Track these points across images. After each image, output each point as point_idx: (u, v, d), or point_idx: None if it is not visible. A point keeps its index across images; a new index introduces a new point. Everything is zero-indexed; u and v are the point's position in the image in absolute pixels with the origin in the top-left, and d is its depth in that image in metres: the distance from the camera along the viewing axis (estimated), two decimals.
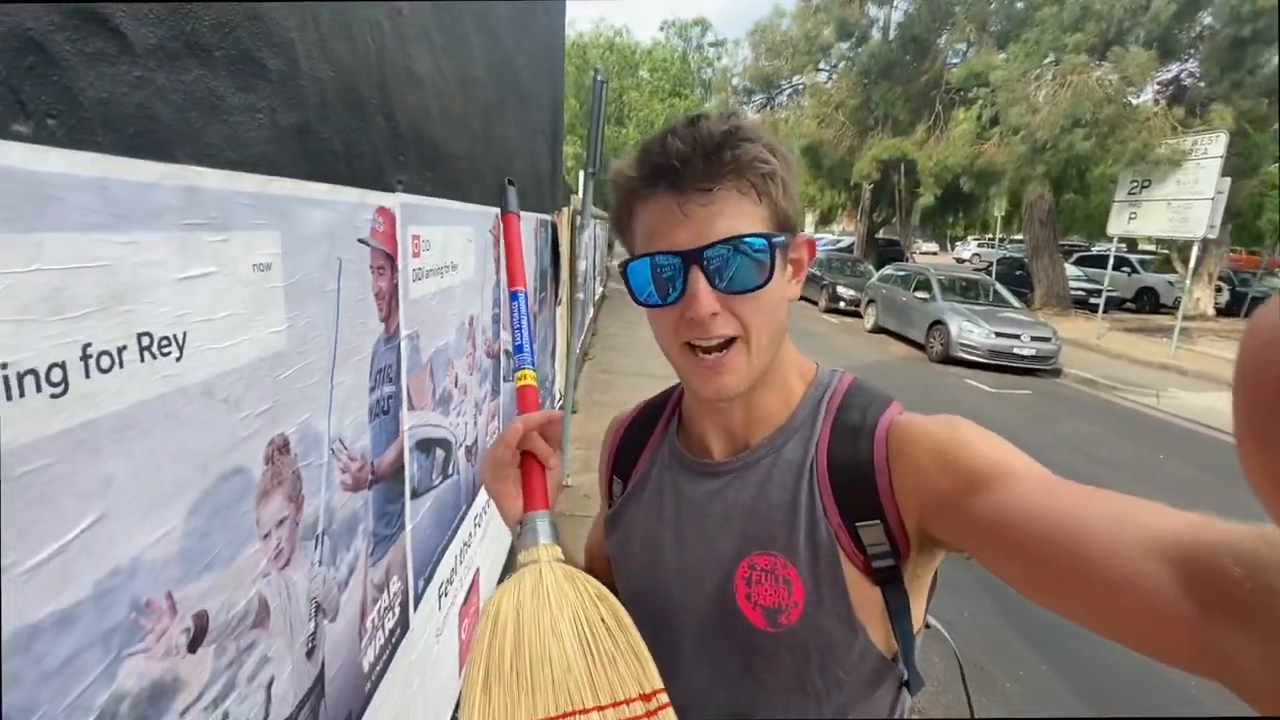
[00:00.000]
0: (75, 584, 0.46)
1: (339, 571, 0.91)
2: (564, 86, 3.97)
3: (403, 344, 1.14)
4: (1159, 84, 12.64)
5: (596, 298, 9.78)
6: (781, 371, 0.66)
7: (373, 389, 1.01)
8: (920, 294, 10.17)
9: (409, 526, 1.22)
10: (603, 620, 0.56)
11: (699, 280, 0.57)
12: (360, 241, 0.94)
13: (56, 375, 0.43)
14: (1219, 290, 15.16)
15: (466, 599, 1.78)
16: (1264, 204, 13.01)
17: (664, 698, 0.53)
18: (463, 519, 1.67)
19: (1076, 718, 2.58)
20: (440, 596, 1.49)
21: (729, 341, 0.60)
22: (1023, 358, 8.54)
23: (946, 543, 0.57)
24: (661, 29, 17.71)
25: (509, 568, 2.58)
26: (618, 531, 0.76)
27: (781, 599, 0.61)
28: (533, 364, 0.73)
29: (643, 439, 0.79)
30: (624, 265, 0.62)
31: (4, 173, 0.39)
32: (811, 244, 0.66)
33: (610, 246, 16.40)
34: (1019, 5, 13.50)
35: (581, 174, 4.39)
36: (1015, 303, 10.15)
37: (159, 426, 0.53)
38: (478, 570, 1.93)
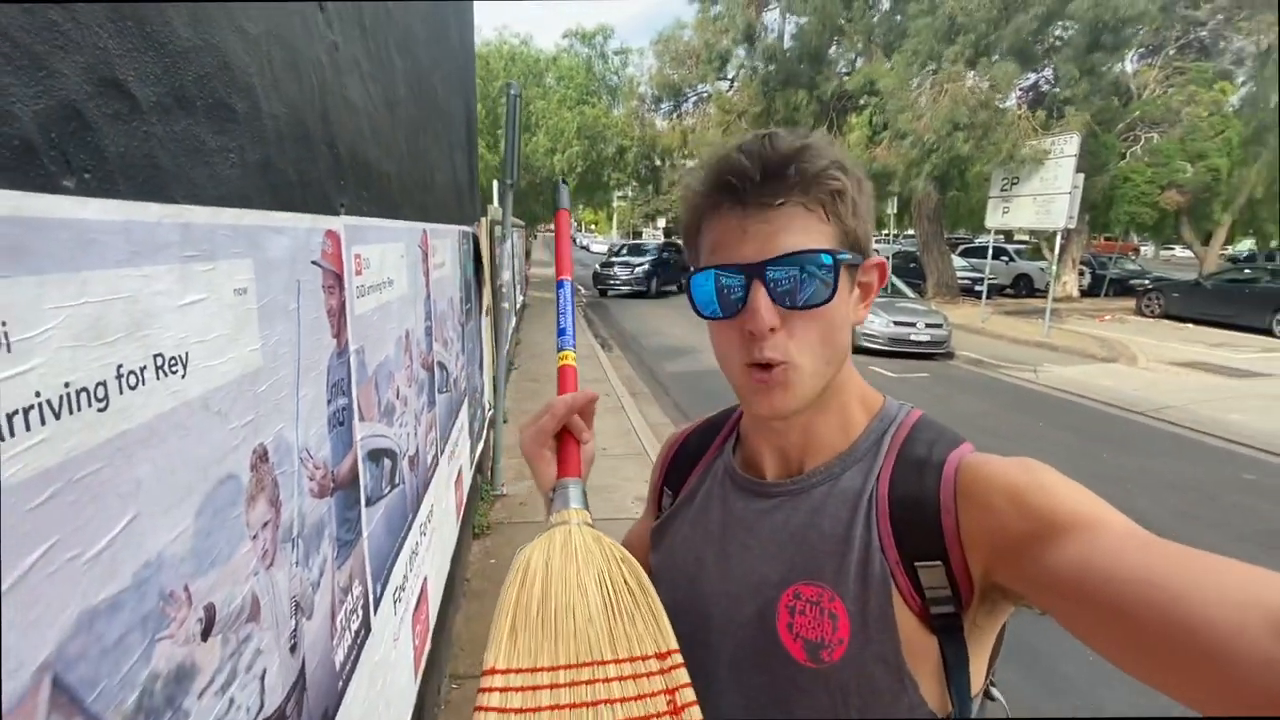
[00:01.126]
0: (120, 574, 0.53)
1: (312, 573, 0.97)
2: (475, 97, 4.01)
3: (351, 358, 1.20)
4: (1020, 90, 14.03)
5: (519, 306, 9.75)
6: (841, 397, 0.65)
7: (329, 401, 1.07)
8: None
9: (365, 533, 1.27)
10: (625, 581, 0.58)
11: (760, 294, 0.57)
12: (314, 263, 1.00)
13: (100, 392, 0.50)
14: (1082, 274, 16.99)
15: (417, 605, 1.82)
16: (1115, 196, 14.66)
17: (678, 658, 0.54)
18: (410, 527, 1.72)
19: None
20: (395, 602, 1.54)
21: (785, 360, 0.59)
22: (919, 344, 9.26)
23: (1015, 593, 0.53)
24: (565, 37, 17.81)
25: (453, 579, 2.62)
26: (663, 543, 0.75)
27: (825, 634, 0.58)
28: (573, 346, 0.74)
29: (698, 453, 0.79)
30: (688, 278, 0.63)
31: (57, 223, 0.46)
32: (883, 266, 0.64)
33: (528, 255, 16.29)
34: (898, 18, 14.59)
35: (496, 184, 4.43)
36: (910, 293, 10.98)
37: (172, 436, 0.60)
38: (425, 579, 1.97)
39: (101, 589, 0.50)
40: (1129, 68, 14.30)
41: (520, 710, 0.51)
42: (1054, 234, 11.48)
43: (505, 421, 4.85)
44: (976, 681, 0.59)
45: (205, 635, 0.66)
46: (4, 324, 0.42)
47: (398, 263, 1.59)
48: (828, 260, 0.56)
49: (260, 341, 0.80)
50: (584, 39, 17.83)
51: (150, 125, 0.58)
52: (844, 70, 15.76)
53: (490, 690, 0.51)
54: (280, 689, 0.85)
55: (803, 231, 0.57)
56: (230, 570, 0.71)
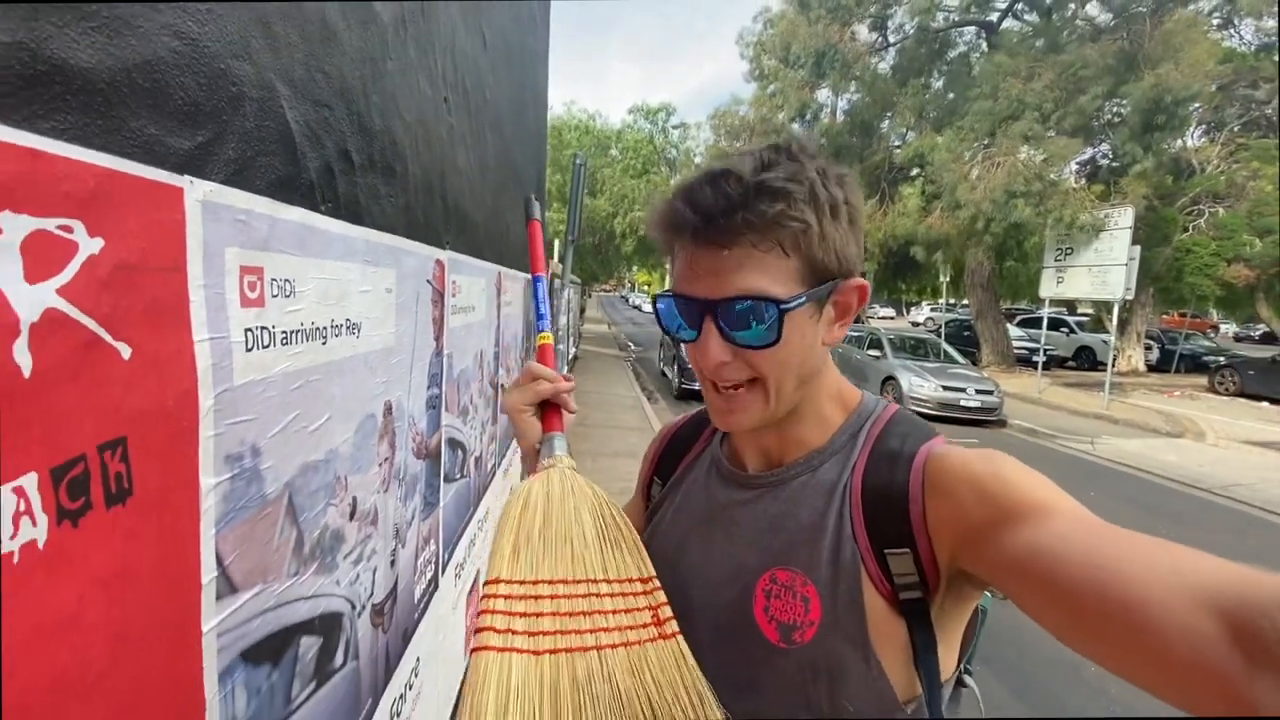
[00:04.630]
0: (320, 448, 0.84)
1: (407, 512, 1.27)
2: (546, 166, 4.52)
3: (444, 359, 1.53)
4: (1078, 163, 14.11)
5: (570, 357, 10.20)
6: (814, 402, 0.67)
7: (428, 387, 1.40)
8: (873, 352, 10.88)
9: (441, 503, 1.57)
10: (613, 517, 0.65)
11: (710, 330, 0.60)
12: (427, 281, 1.35)
13: (322, 334, 0.83)
14: (1149, 348, 16.38)
15: (470, 591, 2.09)
16: (1181, 270, 14.30)
17: (657, 583, 0.61)
18: (470, 518, 2.01)
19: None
20: (455, 576, 1.81)
21: (750, 380, 0.62)
22: (968, 409, 9.16)
23: (978, 578, 0.56)
24: (630, 113, 19.09)
25: None
26: (649, 530, 0.80)
27: (798, 616, 0.61)
28: (549, 329, 0.87)
29: (688, 444, 0.84)
30: (655, 297, 0.66)
31: (316, 230, 0.80)
32: (863, 289, 0.64)
33: (582, 311, 16.95)
34: (950, 96, 15.06)
35: (558, 243, 4.91)
36: (961, 360, 10.90)
37: (348, 373, 0.92)
38: (478, 571, 2.24)
39: (311, 453, 0.81)
40: (1191, 143, 14.23)
41: (524, 615, 0.57)
42: (1111, 305, 11.27)
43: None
44: (947, 667, 0.61)
45: (350, 517, 0.96)
46: (291, 280, 0.75)
47: (480, 293, 1.95)
48: (772, 309, 0.57)
49: (395, 328, 1.13)
50: (648, 115, 19.04)
51: (357, 178, 0.93)
52: (895, 144, 16.22)
53: (494, 597, 0.57)
54: (384, 588, 1.14)
55: (755, 272, 0.57)
56: (366, 480, 1.02)
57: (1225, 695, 0.36)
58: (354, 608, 0.99)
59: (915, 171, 14.87)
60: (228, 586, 0.63)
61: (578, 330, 13.24)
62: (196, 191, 0.56)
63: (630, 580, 0.61)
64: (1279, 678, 0.34)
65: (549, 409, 0.76)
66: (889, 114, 16.12)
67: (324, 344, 0.83)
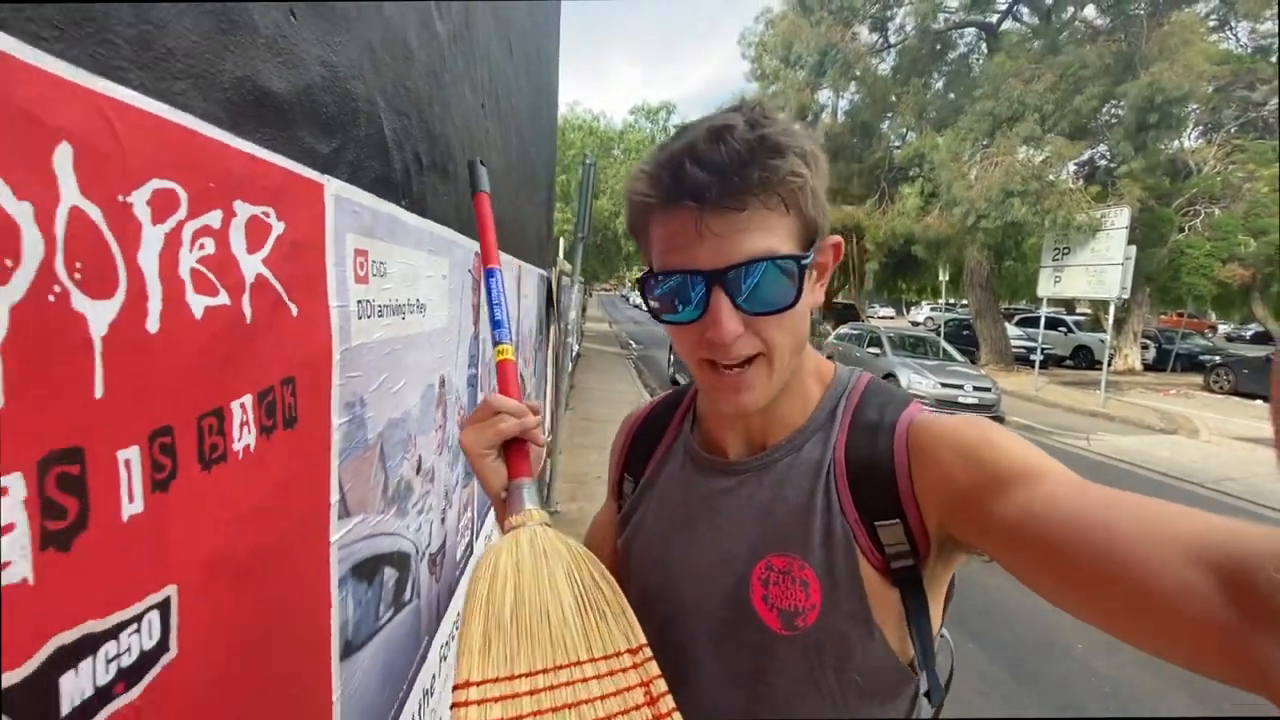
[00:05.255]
0: (400, 407, 0.98)
1: (454, 477, 1.42)
2: (555, 168, 4.67)
3: (479, 343, 1.67)
4: (1076, 164, 14.26)
5: (574, 354, 10.35)
6: (799, 377, 0.65)
7: (469, 366, 1.54)
8: (872, 350, 11.02)
9: (475, 483, 1.72)
10: (594, 579, 0.58)
11: (721, 302, 0.55)
12: (468, 271, 1.49)
13: (402, 310, 0.97)
14: (1146, 347, 16.54)
15: None
16: (1178, 269, 14.46)
17: (648, 651, 0.56)
18: None
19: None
20: (487, 542, 1.96)
21: (752, 357, 0.58)
22: (966, 406, 9.30)
23: (967, 544, 0.55)
24: (632, 113, 19.27)
25: None
26: (627, 530, 0.75)
27: (798, 601, 0.59)
28: (510, 339, 0.72)
29: (656, 436, 0.79)
30: (640, 280, 0.61)
31: (399, 221, 0.94)
32: (839, 246, 0.62)
33: (583, 310, 17.09)
34: (950, 96, 15.22)
35: (562, 241, 5.07)
36: (959, 358, 11.05)
37: (418, 347, 1.07)
38: None
39: (394, 410, 0.95)
40: (1188, 144, 14.38)
41: None
42: (1108, 304, 11.43)
43: (559, 453, 5.28)
44: (935, 625, 0.62)
45: (417, 472, 1.10)
46: (384, 263, 0.89)
47: (508, 286, 2.09)
48: (791, 264, 0.55)
49: (447, 310, 1.27)
50: (649, 115, 19.20)
51: (424, 177, 1.07)
52: (895, 144, 16.37)
53: (466, 704, 0.50)
54: (438, 539, 1.28)
55: (763, 232, 0.54)
56: (428, 441, 1.16)
57: (1223, 649, 0.36)
58: (417, 552, 1.13)
59: (915, 171, 15.03)
60: (344, 509, 0.77)
61: (580, 328, 13.38)
62: (332, 187, 0.70)
63: (618, 654, 0.55)
64: (1273, 631, 0.33)
65: (514, 447, 0.67)
66: (889, 114, 16.27)
67: (403, 319, 0.97)
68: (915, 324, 28.92)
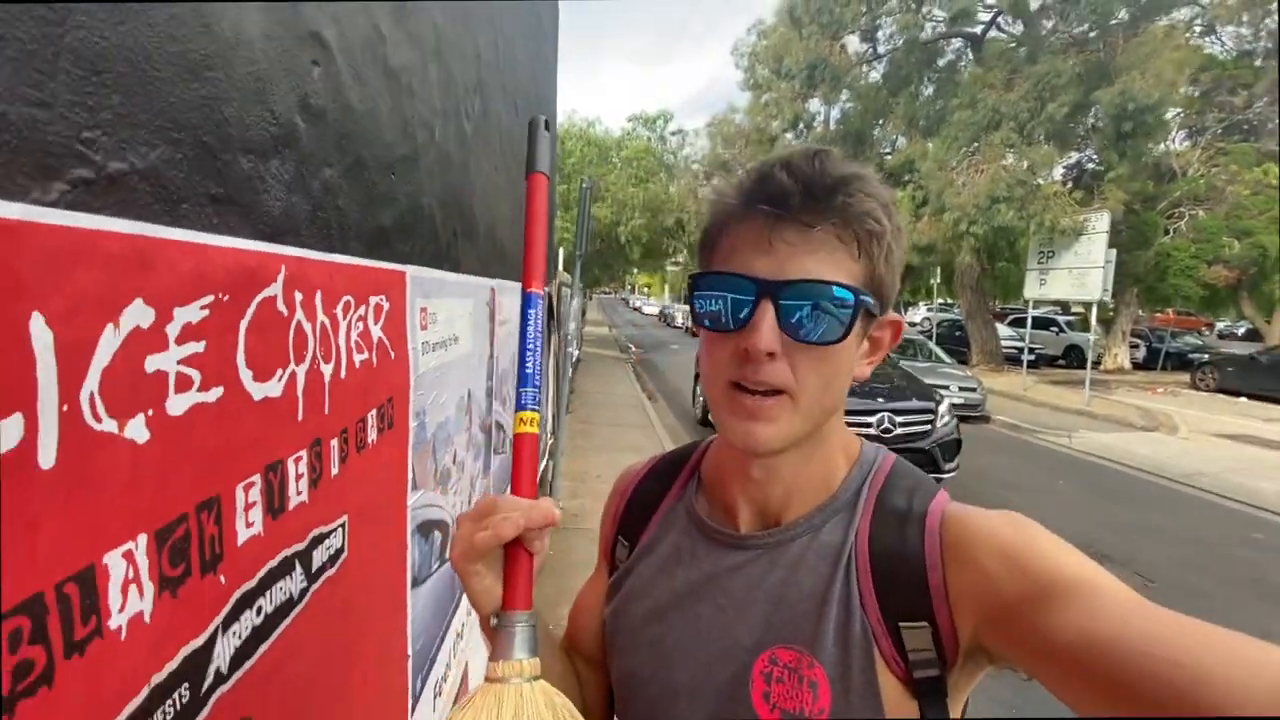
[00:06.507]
0: (442, 414, 1.35)
1: (476, 469, 1.78)
2: (556, 189, 5.05)
3: (495, 363, 2.04)
4: (1064, 169, 14.66)
5: (574, 360, 10.74)
6: (826, 446, 0.61)
7: (486, 380, 1.91)
8: None
9: (491, 469, 2.08)
10: None
11: (767, 314, 0.52)
12: (485, 304, 1.86)
13: (446, 345, 1.34)
14: (1135, 347, 16.91)
15: None
16: (1165, 271, 14.81)
17: None
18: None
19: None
20: None
21: (776, 391, 0.54)
22: (952, 406, 9.66)
23: (1003, 658, 0.50)
24: (630, 121, 19.70)
25: None
26: (617, 600, 0.68)
27: (805, 704, 0.54)
28: (536, 405, 0.58)
29: (656, 498, 0.72)
30: (691, 278, 0.58)
31: (443, 281, 1.31)
32: (898, 325, 0.61)
33: (583, 314, 17.49)
34: (939, 104, 15.61)
35: (562, 251, 5.47)
36: (948, 359, 11.41)
37: (454, 370, 1.43)
38: None
39: (440, 416, 1.32)
40: (1173, 148, 14.76)
41: None
42: (1091, 305, 11.82)
43: (562, 455, 5.66)
44: None
45: (454, 462, 1.47)
46: (435, 312, 1.26)
47: (513, 310, 2.47)
48: (849, 296, 0.52)
49: (472, 339, 1.64)
50: (646, 123, 19.62)
51: (459, 243, 1.44)
52: (886, 150, 16.78)
53: None
54: None
55: (829, 262, 0.53)
56: (460, 440, 1.53)
57: None
58: (453, 522, 1.50)
59: (906, 178, 15.42)
60: (414, 484, 1.14)
61: (580, 334, 13.78)
62: (410, 272, 1.07)
63: None
64: None
65: (513, 564, 0.52)
66: (880, 121, 16.68)
67: (446, 350, 1.34)
68: (912, 324, 29.32)
